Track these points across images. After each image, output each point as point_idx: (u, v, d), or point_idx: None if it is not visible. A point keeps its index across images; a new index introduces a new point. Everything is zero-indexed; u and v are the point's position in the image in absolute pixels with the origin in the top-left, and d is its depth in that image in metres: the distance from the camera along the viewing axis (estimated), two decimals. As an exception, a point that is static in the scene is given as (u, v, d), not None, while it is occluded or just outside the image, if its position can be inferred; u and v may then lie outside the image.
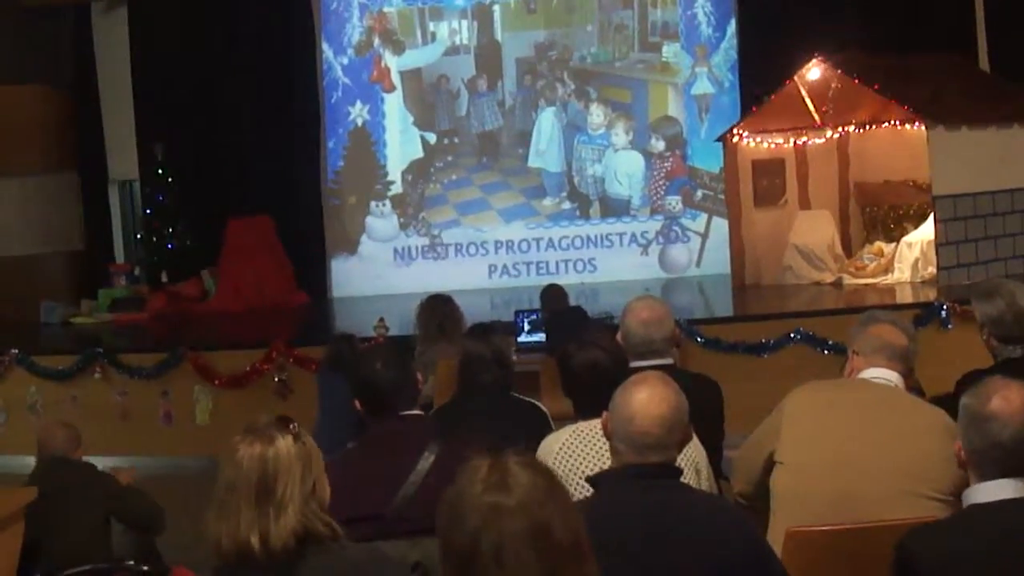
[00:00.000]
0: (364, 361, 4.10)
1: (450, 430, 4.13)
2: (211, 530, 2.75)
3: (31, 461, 5.63)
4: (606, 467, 3.28)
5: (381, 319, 9.82)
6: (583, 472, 3.59)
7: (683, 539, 2.93)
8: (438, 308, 7.46)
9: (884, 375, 3.85)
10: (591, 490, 3.16)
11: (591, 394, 3.89)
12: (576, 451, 3.78)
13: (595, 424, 3.61)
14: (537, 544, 2.18)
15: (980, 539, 2.87)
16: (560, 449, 3.79)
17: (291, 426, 2.82)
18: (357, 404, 4.07)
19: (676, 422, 3.09)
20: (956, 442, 3.08)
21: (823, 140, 12.02)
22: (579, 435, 3.85)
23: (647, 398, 3.08)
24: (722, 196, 12.90)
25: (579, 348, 4.18)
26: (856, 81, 11.18)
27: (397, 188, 14.16)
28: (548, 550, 2.18)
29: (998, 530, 2.87)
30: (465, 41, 14.17)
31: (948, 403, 3.80)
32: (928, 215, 11.01)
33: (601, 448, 3.62)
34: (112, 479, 5.50)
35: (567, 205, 14.02)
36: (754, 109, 11.99)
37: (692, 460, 3.72)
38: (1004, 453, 2.94)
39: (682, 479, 3.63)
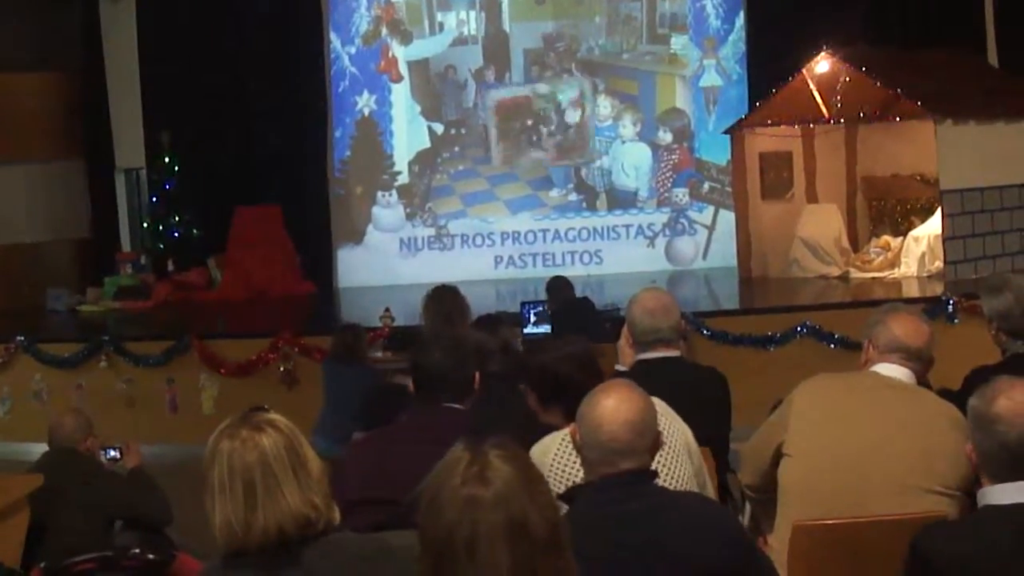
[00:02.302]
0: (424, 345, 4.11)
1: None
2: (212, 524, 2.73)
3: (36, 448, 5.62)
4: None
5: (387, 309, 9.82)
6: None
7: (664, 546, 2.90)
8: (445, 299, 7.39)
9: (896, 372, 3.83)
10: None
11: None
12: (571, 459, 3.56)
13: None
14: (512, 537, 2.17)
15: (996, 541, 2.85)
16: (554, 461, 3.57)
17: (267, 413, 2.80)
18: (411, 384, 4.09)
19: (645, 427, 3.05)
20: (967, 443, 3.07)
21: (831, 133, 12.00)
22: (568, 443, 3.73)
23: (614, 404, 3.05)
24: (729, 189, 12.89)
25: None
26: (865, 75, 11.16)
27: (404, 178, 14.15)
28: (523, 543, 2.17)
29: (1014, 533, 2.86)
30: (473, 31, 14.14)
31: (954, 398, 3.78)
32: (935, 209, 11.00)
33: None
34: (113, 481, 5.43)
35: (574, 197, 14.00)
36: (761, 102, 11.97)
37: (684, 441, 3.66)
38: (1010, 455, 2.93)
39: (674, 461, 3.59)
